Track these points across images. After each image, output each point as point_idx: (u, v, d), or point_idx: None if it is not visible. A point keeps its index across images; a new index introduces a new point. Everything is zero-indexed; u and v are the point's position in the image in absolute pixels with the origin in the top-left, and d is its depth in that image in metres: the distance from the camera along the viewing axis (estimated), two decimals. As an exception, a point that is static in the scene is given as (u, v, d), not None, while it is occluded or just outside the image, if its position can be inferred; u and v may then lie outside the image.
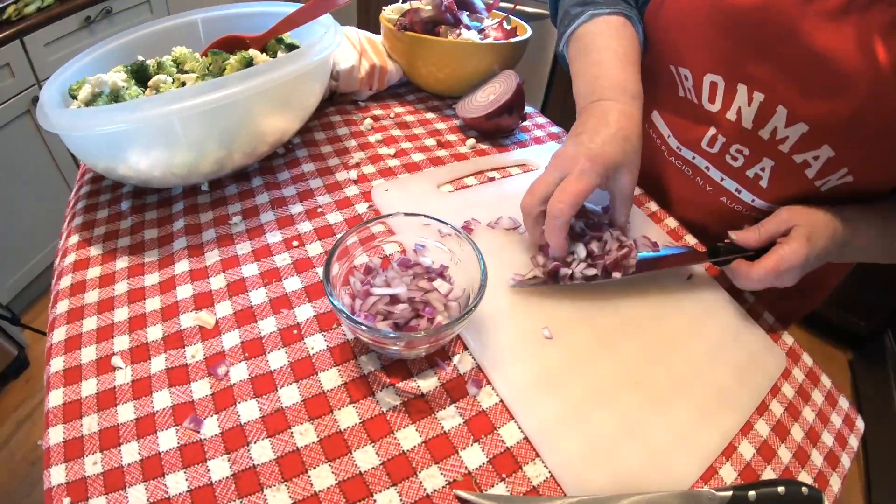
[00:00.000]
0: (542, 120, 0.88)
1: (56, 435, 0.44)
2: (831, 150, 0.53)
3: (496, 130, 0.77)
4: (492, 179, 0.70)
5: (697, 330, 0.53)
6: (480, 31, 0.83)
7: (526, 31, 0.84)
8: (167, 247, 0.60)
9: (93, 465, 0.41)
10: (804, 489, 0.40)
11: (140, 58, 0.70)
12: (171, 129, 0.54)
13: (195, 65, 0.69)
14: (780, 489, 0.40)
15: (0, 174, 1.83)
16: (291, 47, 0.74)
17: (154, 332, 0.50)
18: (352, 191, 0.67)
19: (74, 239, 0.62)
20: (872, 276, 1.67)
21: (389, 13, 0.85)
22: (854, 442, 0.52)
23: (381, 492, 0.40)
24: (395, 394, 0.46)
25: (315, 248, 0.59)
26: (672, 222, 0.67)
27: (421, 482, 0.41)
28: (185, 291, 0.54)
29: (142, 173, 0.59)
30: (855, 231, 0.55)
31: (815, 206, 0.54)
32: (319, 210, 0.64)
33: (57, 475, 0.41)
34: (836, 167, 0.54)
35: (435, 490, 0.40)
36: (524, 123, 0.84)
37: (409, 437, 0.43)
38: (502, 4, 0.89)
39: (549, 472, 0.42)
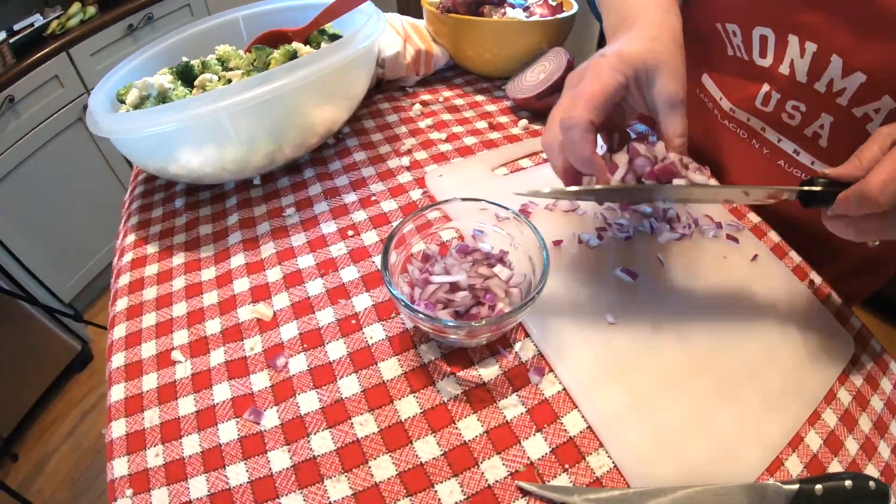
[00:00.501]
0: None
1: (119, 428, 0.45)
2: (893, 101, 0.49)
3: (548, 110, 0.74)
4: (547, 161, 0.68)
5: (765, 313, 0.50)
6: (525, 8, 0.81)
7: (572, 6, 0.81)
8: (222, 241, 0.60)
9: (154, 457, 0.42)
10: (871, 483, 0.38)
11: (184, 59, 0.71)
12: (220, 125, 0.54)
13: (240, 61, 0.70)
14: (847, 483, 0.38)
15: (57, 181, 1.92)
16: (334, 37, 0.73)
17: (212, 326, 0.51)
18: (405, 178, 0.66)
19: (131, 238, 0.64)
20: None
21: (431, -4, 0.84)
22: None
23: (441, 483, 0.39)
24: (456, 383, 0.45)
25: (370, 237, 0.58)
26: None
27: (482, 473, 0.40)
28: (241, 285, 0.54)
29: (194, 171, 0.59)
30: None
31: None
32: (373, 198, 0.64)
33: (119, 467, 0.42)
34: None
35: (496, 481, 0.39)
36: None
37: (470, 426, 0.42)
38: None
39: (613, 462, 0.40)
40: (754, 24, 0.57)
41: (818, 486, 0.37)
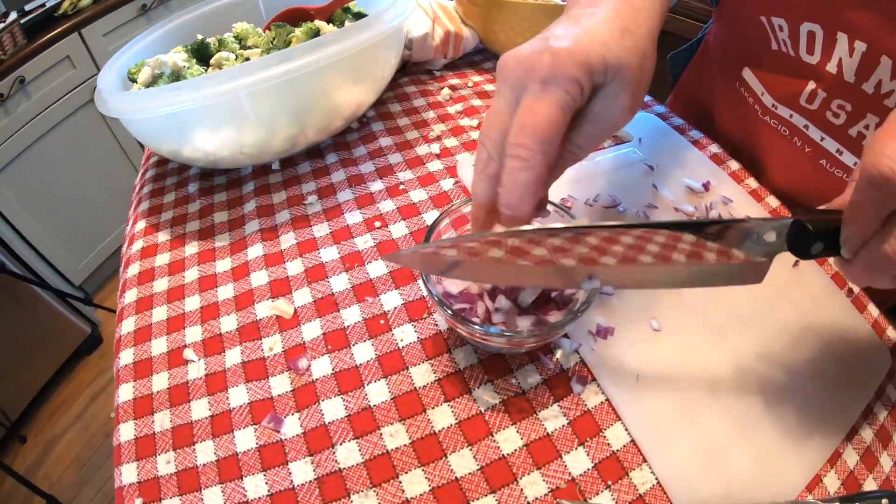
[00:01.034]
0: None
1: (127, 431, 0.42)
2: None
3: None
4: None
5: (807, 322, 0.48)
6: (561, -11, 0.77)
7: (608, -11, 0.77)
8: (239, 230, 0.57)
9: (166, 464, 0.40)
10: None
11: (200, 36, 0.68)
12: (239, 106, 0.51)
13: (258, 40, 0.67)
14: (884, 502, 0.36)
15: (69, 162, 1.91)
16: (359, 16, 0.70)
17: (228, 323, 0.48)
18: (435, 166, 0.63)
19: (141, 225, 0.61)
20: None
21: (462, -24, 0.81)
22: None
23: (478, 499, 0.36)
24: (494, 391, 0.42)
25: (399, 229, 0.55)
26: (773, 201, 0.61)
27: (522, 489, 0.37)
28: (259, 278, 0.51)
29: (209, 155, 0.56)
30: None
31: None
32: (401, 187, 0.60)
33: (128, 474, 0.40)
34: None
35: (536, 498, 0.37)
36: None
37: (509, 439, 0.39)
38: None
39: (657, 478, 0.38)
40: (802, 19, 0.54)
41: (855, 506, 0.36)
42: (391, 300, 0.48)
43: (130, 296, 0.53)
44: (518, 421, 0.40)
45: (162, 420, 0.42)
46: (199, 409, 0.42)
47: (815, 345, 0.47)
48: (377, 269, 0.51)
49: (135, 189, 0.69)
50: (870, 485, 0.40)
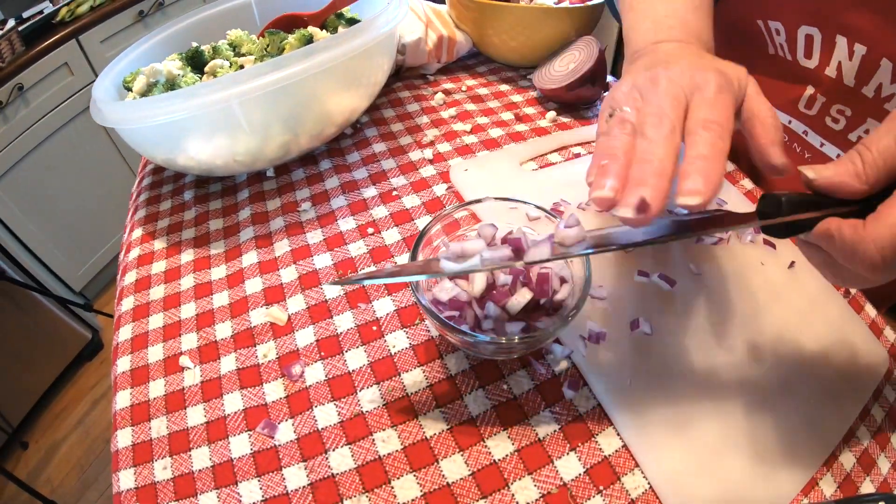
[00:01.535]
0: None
1: (124, 438, 0.43)
2: None
3: (577, 102, 0.71)
4: (577, 156, 0.65)
5: (803, 324, 0.48)
6: (554, -6, 0.77)
7: (602, -7, 0.77)
8: (234, 238, 0.57)
9: (162, 469, 0.40)
10: None
11: (194, 44, 0.68)
12: (231, 114, 0.51)
13: (252, 47, 0.67)
14: None
15: (68, 168, 1.92)
16: (352, 22, 0.70)
17: (223, 330, 0.48)
18: (428, 171, 0.63)
19: (138, 232, 0.61)
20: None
21: (455, -20, 0.81)
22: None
23: (469, 505, 0.37)
24: (486, 397, 0.42)
25: (392, 236, 0.55)
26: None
27: (513, 495, 0.37)
28: (254, 285, 0.52)
29: (203, 163, 0.57)
30: None
31: None
32: (394, 193, 0.60)
33: (126, 479, 0.40)
34: None
35: (528, 503, 0.37)
36: (605, 94, 0.77)
37: (500, 444, 0.39)
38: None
39: (649, 483, 0.38)
40: (800, 22, 0.54)
41: (852, 509, 0.36)
42: (384, 306, 0.48)
43: (127, 303, 0.53)
44: (509, 426, 0.40)
45: (158, 426, 0.42)
46: (195, 415, 0.43)
47: (811, 346, 0.46)
48: (370, 275, 0.51)
49: (131, 197, 0.69)
50: (867, 488, 0.40)
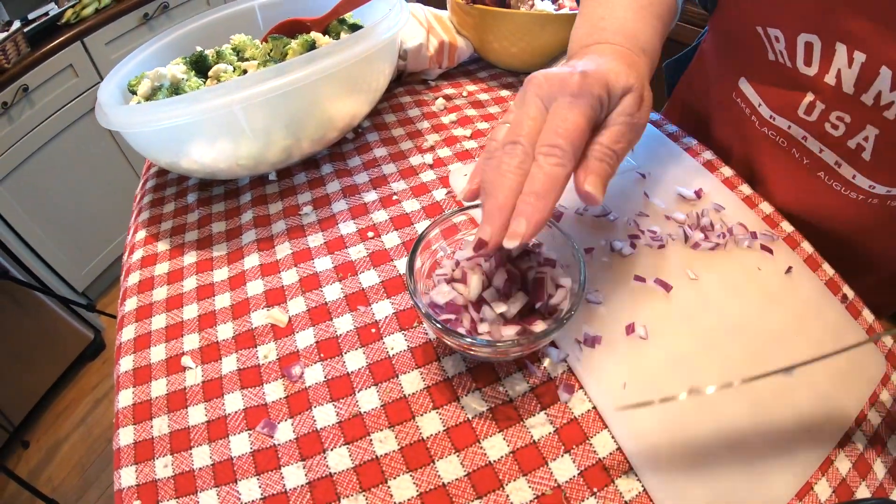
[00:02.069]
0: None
1: (126, 436, 0.43)
2: None
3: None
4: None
5: (800, 329, 0.48)
6: (554, 0, 0.78)
7: None
8: (236, 240, 0.58)
9: (163, 467, 0.41)
10: None
11: (198, 48, 0.69)
12: (234, 119, 0.52)
13: (255, 52, 0.68)
14: None
15: (71, 170, 1.92)
16: (355, 28, 0.71)
17: (224, 331, 0.49)
18: (428, 176, 0.64)
19: (141, 234, 0.62)
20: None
21: (456, -14, 0.81)
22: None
23: (464, 505, 0.37)
24: (482, 399, 0.42)
25: (392, 240, 0.56)
26: (767, 208, 0.61)
27: (508, 496, 0.37)
28: (255, 287, 0.52)
29: (206, 166, 0.57)
30: None
31: None
32: (395, 198, 0.61)
33: (127, 477, 0.41)
34: None
35: (522, 504, 0.37)
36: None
37: (496, 446, 0.40)
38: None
39: (643, 486, 0.38)
40: (800, 30, 0.53)
41: (847, 513, 0.36)
42: (383, 309, 0.49)
43: (130, 304, 0.53)
44: (505, 428, 0.41)
45: (160, 425, 0.43)
46: (196, 414, 0.43)
47: (807, 351, 0.46)
48: (369, 278, 0.52)
49: (135, 199, 0.70)
50: (862, 492, 0.40)
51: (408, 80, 0.83)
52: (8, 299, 1.65)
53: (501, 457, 0.39)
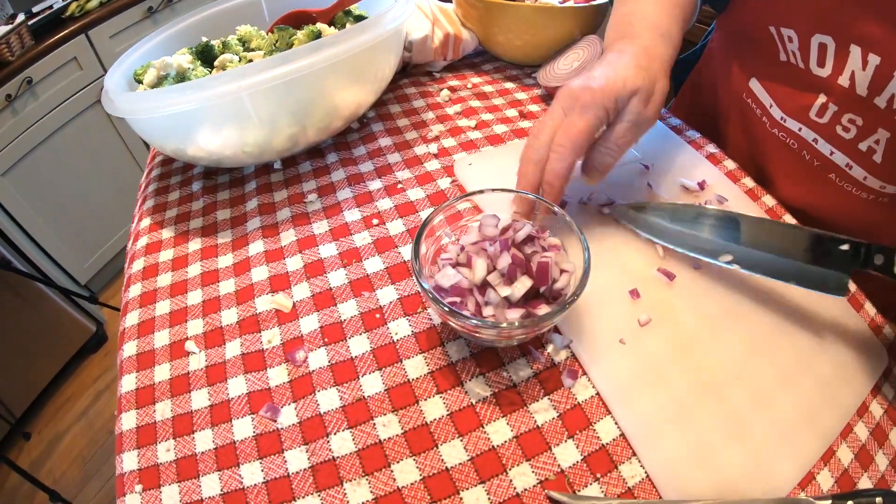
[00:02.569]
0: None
1: (129, 420, 0.43)
2: None
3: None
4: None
5: (800, 321, 0.48)
6: (559, -7, 0.77)
7: (607, -7, 0.78)
8: (241, 227, 0.58)
9: (165, 451, 0.41)
10: None
11: (204, 39, 0.69)
12: (240, 106, 0.52)
13: (261, 42, 0.68)
14: (878, 500, 0.36)
15: (75, 163, 1.93)
16: (360, 19, 0.71)
17: (229, 316, 0.49)
18: (432, 165, 0.64)
19: (146, 222, 0.62)
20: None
21: (462, -20, 0.81)
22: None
23: (468, 490, 0.37)
24: (486, 384, 0.42)
25: (396, 227, 0.56)
26: (770, 200, 0.61)
27: (511, 480, 0.38)
28: (260, 273, 0.52)
29: (212, 153, 0.57)
30: None
31: None
32: (399, 186, 0.61)
33: (129, 461, 0.41)
34: None
35: (525, 489, 0.37)
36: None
37: (499, 431, 0.40)
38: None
39: (646, 472, 0.38)
40: (814, 31, 0.53)
41: (850, 503, 0.36)
42: (387, 295, 0.49)
43: (135, 290, 0.54)
44: (508, 413, 0.41)
45: (163, 409, 0.43)
46: (199, 398, 0.43)
47: (809, 343, 0.47)
48: (374, 264, 0.52)
49: (140, 187, 0.70)
50: (864, 483, 0.40)
51: (413, 71, 0.83)
52: (10, 291, 1.65)
53: (505, 441, 0.39)
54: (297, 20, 0.70)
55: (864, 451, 0.42)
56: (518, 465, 0.38)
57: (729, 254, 0.47)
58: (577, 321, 0.46)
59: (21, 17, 1.71)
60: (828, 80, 0.54)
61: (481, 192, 0.46)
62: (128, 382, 0.46)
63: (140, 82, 0.64)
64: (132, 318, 0.51)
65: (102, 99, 0.56)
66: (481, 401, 0.42)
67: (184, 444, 0.41)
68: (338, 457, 0.39)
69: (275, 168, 0.65)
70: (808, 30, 0.54)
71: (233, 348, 0.46)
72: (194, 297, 0.52)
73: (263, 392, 0.43)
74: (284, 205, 0.60)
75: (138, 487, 0.39)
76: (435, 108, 0.75)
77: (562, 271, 0.41)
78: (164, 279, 0.54)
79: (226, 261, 0.55)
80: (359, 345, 0.45)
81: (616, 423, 0.41)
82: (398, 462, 0.39)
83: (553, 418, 0.41)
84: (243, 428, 0.41)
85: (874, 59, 0.49)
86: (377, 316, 0.47)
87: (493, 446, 0.39)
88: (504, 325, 0.37)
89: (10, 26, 1.62)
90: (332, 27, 0.69)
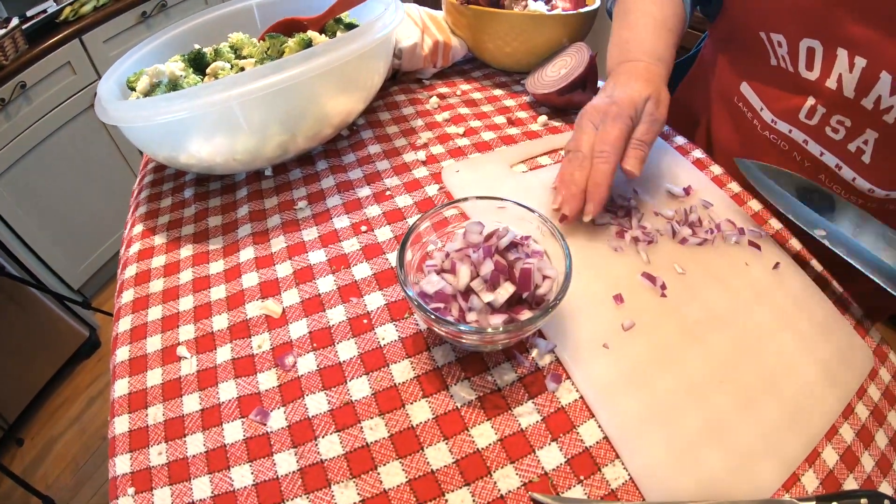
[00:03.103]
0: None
1: (122, 424, 0.44)
2: None
3: (568, 106, 0.73)
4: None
5: (786, 323, 0.49)
6: (547, 1, 0.79)
7: (595, 1, 0.79)
8: (232, 234, 0.59)
9: (158, 455, 0.41)
10: (886, 501, 0.37)
11: (197, 46, 0.70)
12: (231, 114, 0.53)
13: (253, 50, 0.68)
14: (863, 501, 0.37)
15: (68, 167, 1.92)
16: (350, 27, 0.72)
17: (219, 322, 0.50)
18: (421, 172, 0.65)
19: (139, 228, 0.63)
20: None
21: (451, -13, 0.82)
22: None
23: (453, 491, 0.38)
24: (470, 388, 0.43)
25: (384, 233, 0.57)
26: (756, 205, 0.62)
27: (495, 482, 0.38)
28: (250, 280, 0.53)
29: (204, 161, 0.58)
30: None
31: None
32: (388, 193, 0.62)
33: (122, 464, 0.41)
34: None
35: (509, 491, 0.38)
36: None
37: (484, 434, 0.41)
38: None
39: (629, 474, 0.39)
40: (802, 35, 0.55)
41: (834, 504, 0.37)
42: (375, 301, 0.50)
43: (127, 296, 0.54)
44: (493, 417, 0.41)
45: (155, 414, 0.44)
46: (191, 403, 0.44)
47: (794, 345, 0.47)
48: (362, 271, 0.53)
49: (133, 194, 0.70)
50: (850, 484, 0.41)
51: (403, 79, 0.84)
52: (3, 296, 1.65)
53: (489, 444, 0.40)
54: (289, 28, 0.71)
55: (850, 452, 0.42)
56: (502, 467, 0.39)
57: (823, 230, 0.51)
58: (561, 326, 0.46)
59: (15, 21, 1.71)
60: (816, 83, 0.56)
61: (465, 199, 0.47)
62: (120, 387, 0.46)
63: (133, 89, 0.64)
64: (125, 324, 0.51)
65: (95, 107, 0.57)
66: (466, 404, 0.42)
67: (175, 447, 0.41)
68: (326, 459, 0.40)
69: (266, 175, 0.66)
70: (797, 34, 0.55)
71: (223, 353, 0.47)
72: (186, 302, 0.52)
73: (253, 396, 0.44)
74: (275, 212, 0.60)
75: (131, 490, 0.39)
76: (424, 115, 0.75)
77: (544, 277, 0.42)
78: (157, 285, 0.55)
79: (217, 267, 0.55)
80: (347, 350, 0.46)
81: (599, 426, 0.41)
82: (385, 464, 0.39)
83: (537, 421, 0.41)
84: (233, 431, 0.42)
85: (860, 62, 0.50)
86: (365, 321, 0.48)
87: (477, 449, 0.40)
88: (487, 330, 0.38)
89: (3, 30, 1.62)
90: (323, 35, 0.69)
